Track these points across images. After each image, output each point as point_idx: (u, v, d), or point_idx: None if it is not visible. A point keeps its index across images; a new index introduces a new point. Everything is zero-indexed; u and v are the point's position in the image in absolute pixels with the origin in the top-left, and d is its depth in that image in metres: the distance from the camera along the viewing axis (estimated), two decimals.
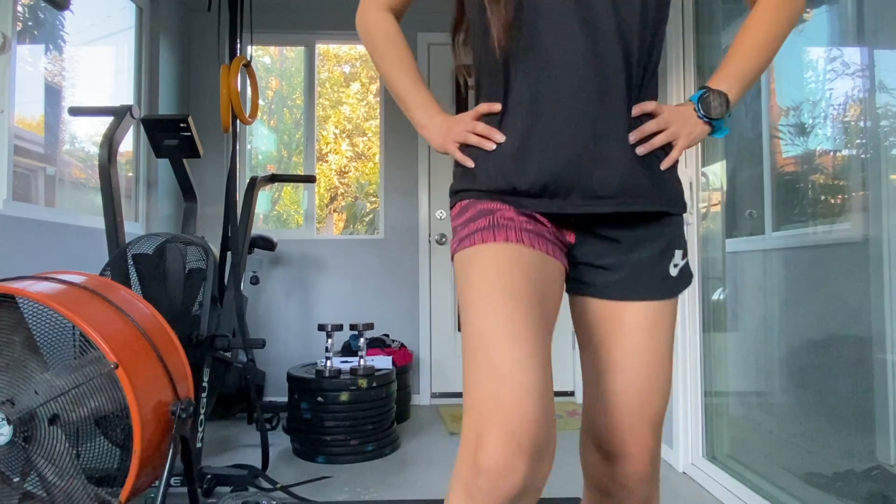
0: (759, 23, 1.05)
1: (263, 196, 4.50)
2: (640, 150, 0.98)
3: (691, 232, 2.57)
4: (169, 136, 2.71)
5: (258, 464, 2.43)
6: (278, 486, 2.33)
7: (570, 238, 1.03)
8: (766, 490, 2.11)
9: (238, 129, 2.72)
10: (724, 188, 2.59)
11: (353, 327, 3.07)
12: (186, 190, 2.86)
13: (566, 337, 3.84)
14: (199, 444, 2.27)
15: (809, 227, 2.09)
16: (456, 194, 1.07)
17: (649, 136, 0.99)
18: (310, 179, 3.43)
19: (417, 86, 1.12)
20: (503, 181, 1.00)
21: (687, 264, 1.07)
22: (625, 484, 1.02)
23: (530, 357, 0.87)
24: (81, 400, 1.47)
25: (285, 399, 3.07)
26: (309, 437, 2.83)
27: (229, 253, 2.71)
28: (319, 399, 2.81)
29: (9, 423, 1.44)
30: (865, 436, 1.79)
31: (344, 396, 2.81)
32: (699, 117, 1.02)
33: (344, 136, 6.48)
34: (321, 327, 2.98)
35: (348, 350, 3.50)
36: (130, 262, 2.28)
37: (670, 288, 1.03)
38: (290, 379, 2.95)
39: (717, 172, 2.63)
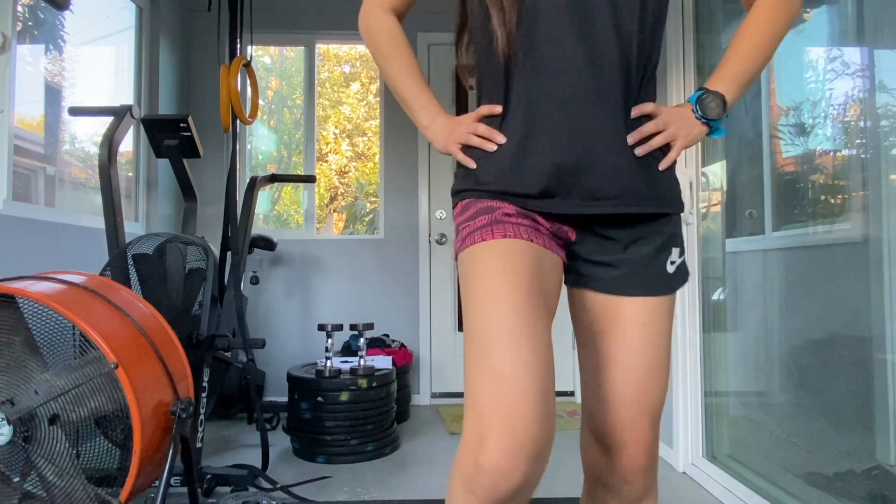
0: (756, 25, 1.06)
1: (263, 196, 4.50)
2: (639, 151, 1.00)
3: (691, 232, 2.57)
4: (169, 136, 2.71)
5: (258, 464, 2.43)
6: (278, 486, 2.33)
7: (571, 234, 1.05)
8: (766, 490, 2.11)
9: (238, 129, 2.72)
10: (724, 188, 2.59)
11: (353, 327, 3.07)
12: (186, 190, 2.86)
13: (566, 337, 3.84)
14: (199, 444, 2.27)
15: (809, 227, 2.09)
16: (458, 194, 1.09)
17: (648, 137, 1.01)
18: (310, 179, 3.43)
19: (420, 87, 1.14)
20: (504, 182, 1.02)
21: (684, 262, 1.09)
22: (623, 475, 1.03)
23: (532, 356, 0.88)
24: (81, 400, 1.47)
25: (285, 399, 3.07)
26: (309, 437, 2.83)
27: (229, 253, 2.71)
28: (319, 399, 2.81)
29: (9, 423, 1.44)
30: (865, 436, 1.79)
31: (344, 396, 2.81)
32: (697, 118, 1.04)
33: (344, 136, 6.48)
34: (321, 327, 2.98)
35: (348, 350, 3.50)
36: (130, 262, 2.28)
37: (668, 284, 1.05)
38: (290, 379, 2.95)
39: (717, 172, 2.63)
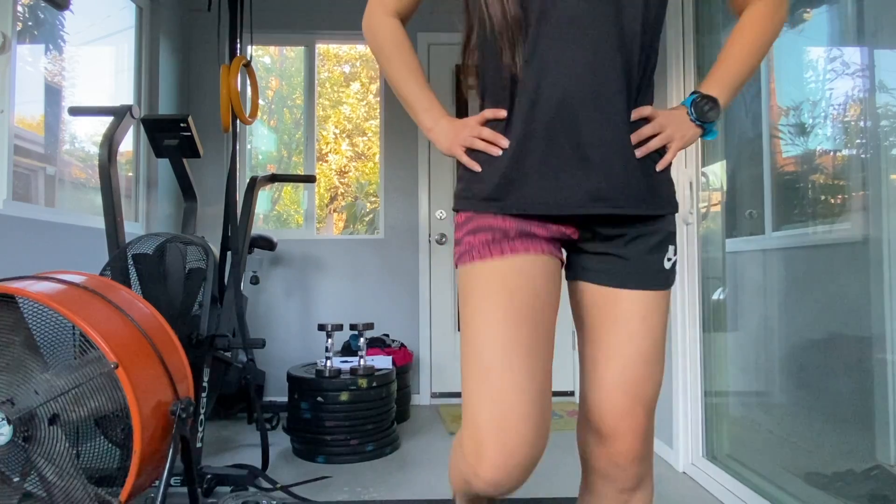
0: (747, 31, 1.12)
1: (263, 196, 4.50)
2: (639, 153, 1.04)
3: (691, 232, 2.57)
4: (169, 136, 2.71)
5: (258, 464, 2.43)
6: (278, 486, 2.33)
7: (573, 235, 1.09)
8: (766, 490, 2.11)
9: (238, 129, 2.72)
10: (724, 188, 2.59)
11: (353, 327, 3.07)
12: (186, 190, 2.86)
13: (566, 337, 3.84)
14: (199, 444, 2.27)
15: (809, 226, 2.09)
16: (460, 199, 1.12)
17: (647, 139, 1.05)
18: (310, 179, 3.43)
19: (423, 90, 1.17)
20: (505, 184, 1.05)
21: (676, 262, 1.14)
22: (619, 462, 1.07)
23: (527, 382, 0.97)
24: (81, 400, 1.47)
25: (285, 399, 3.07)
26: (309, 437, 2.83)
27: (229, 253, 2.71)
28: (319, 399, 2.81)
29: (9, 422, 1.44)
30: (865, 436, 1.79)
31: (344, 396, 2.81)
32: (691, 121, 1.08)
33: (344, 136, 6.48)
34: (321, 327, 2.98)
35: (348, 350, 3.50)
36: (130, 262, 2.28)
37: (664, 280, 1.09)
38: (290, 379, 2.95)
39: (717, 172, 2.63)
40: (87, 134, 3.18)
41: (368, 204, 6.14)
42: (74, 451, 1.50)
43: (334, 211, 6.48)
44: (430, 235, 4.00)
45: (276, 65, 5.44)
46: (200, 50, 3.92)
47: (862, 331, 1.80)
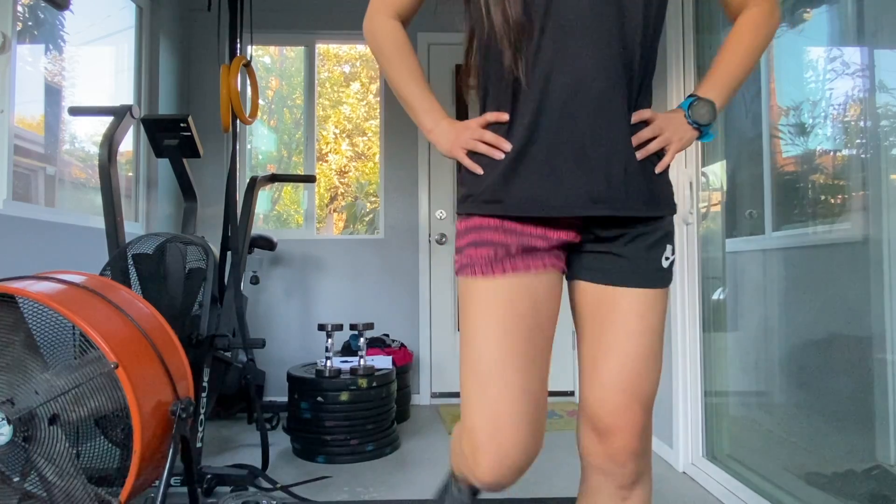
0: (742, 37, 1.14)
1: (263, 196, 4.50)
2: (639, 155, 1.06)
3: (691, 232, 2.57)
4: (169, 136, 2.70)
5: (258, 464, 2.43)
6: (278, 486, 2.33)
7: (572, 238, 1.10)
8: (766, 490, 2.11)
9: (238, 129, 2.72)
10: (724, 188, 2.59)
11: (353, 327, 3.07)
12: (186, 190, 2.86)
13: (566, 337, 3.84)
14: (199, 444, 2.27)
15: (809, 227, 2.09)
16: (462, 202, 1.14)
17: (646, 141, 1.07)
18: (310, 179, 3.43)
19: (424, 92, 1.18)
20: (507, 186, 1.07)
21: (673, 261, 1.15)
22: (616, 458, 1.08)
23: (522, 395, 1.03)
24: (81, 400, 1.47)
25: (285, 399, 3.07)
26: (309, 437, 2.83)
27: (229, 253, 2.71)
28: (319, 399, 2.81)
29: (9, 422, 1.44)
30: (865, 436, 1.79)
31: (344, 396, 2.81)
32: (689, 123, 1.11)
33: (344, 135, 6.48)
34: (321, 327, 2.98)
35: (348, 350, 3.50)
36: (130, 261, 2.28)
37: (662, 278, 1.11)
38: (290, 379, 2.95)
39: (717, 172, 2.63)
40: (87, 134, 3.18)
41: (368, 204, 6.14)
42: (74, 451, 1.50)
43: (334, 211, 6.48)
44: (430, 235, 4.00)
45: (276, 65, 5.44)
46: (200, 50, 3.92)
47: (862, 331, 1.80)
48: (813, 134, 2.14)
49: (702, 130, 1.12)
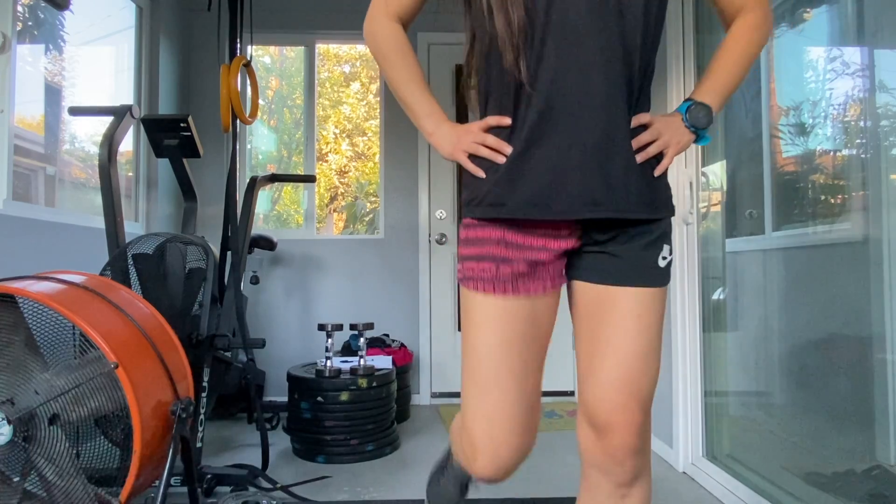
0: (737, 42, 1.17)
1: (263, 196, 4.50)
2: (639, 158, 1.08)
3: (691, 232, 2.57)
4: (169, 136, 2.71)
5: (258, 464, 2.43)
6: (278, 485, 2.33)
7: (573, 244, 1.12)
8: (766, 490, 2.11)
9: (238, 129, 2.72)
10: (724, 188, 2.59)
11: (353, 327, 3.07)
12: (186, 190, 2.86)
13: (566, 337, 3.83)
14: (199, 444, 2.27)
15: (809, 226, 2.09)
16: (466, 206, 1.16)
17: (645, 145, 1.09)
18: (310, 179, 3.43)
19: (424, 94, 1.19)
20: (508, 189, 1.08)
21: (671, 261, 1.17)
22: (615, 456, 1.09)
23: (516, 395, 1.11)
24: (81, 400, 1.47)
25: (285, 399, 3.07)
26: (309, 437, 2.83)
27: (229, 253, 2.71)
28: (319, 399, 2.81)
29: (9, 422, 1.44)
30: (865, 436, 1.79)
31: (344, 396, 2.81)
32: (686, 127, 1.13)
33: (344, 135, 6.48)
34: (321, 327, 2.98)
35: (348, 350, 3.50)
36: (130, 261, 2.28)
37: (660, 278, 1.12)
38: (290, 379, 2.95)
39: (717, 172, 2.63)
40: (87, 134, 3.18)
41: (368, 204, 6.14)
42: (74, 451, 1.50)
43: (334, 211, 6.48)
44: (430, 235, 4.00)
45: (276, 65, 5.44)
46: (200, 50, 3.92)
47: (862, 331, 1.80)
48: (813, 134, 2.14)
49: (699, 134, 1.13)
